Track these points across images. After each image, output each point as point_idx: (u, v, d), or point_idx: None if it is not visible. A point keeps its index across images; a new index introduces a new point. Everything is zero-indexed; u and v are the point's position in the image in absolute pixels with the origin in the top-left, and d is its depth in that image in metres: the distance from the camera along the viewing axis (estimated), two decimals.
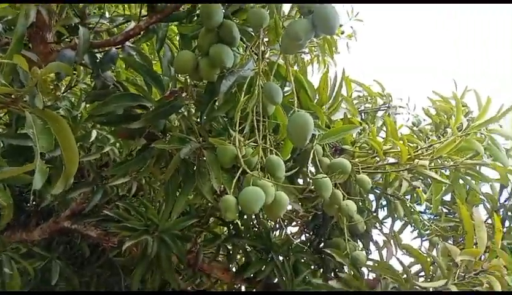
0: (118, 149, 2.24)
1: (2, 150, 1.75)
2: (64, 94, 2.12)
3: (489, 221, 1.89)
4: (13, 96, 0.96)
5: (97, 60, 1.58)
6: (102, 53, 1.63)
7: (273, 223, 2.64)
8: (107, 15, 2.16)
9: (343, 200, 1.54)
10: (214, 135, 1.41)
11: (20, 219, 2.38)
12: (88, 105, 1.84)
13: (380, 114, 2.60)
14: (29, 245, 2.17)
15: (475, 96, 1.74)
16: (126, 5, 1.94)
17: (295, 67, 1.70)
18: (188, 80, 1.34)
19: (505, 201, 1.92)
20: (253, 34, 1.25)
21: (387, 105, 2.53)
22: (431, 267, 1.60)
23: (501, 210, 1.93)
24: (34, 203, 2.41)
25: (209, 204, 2.09)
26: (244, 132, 1.19)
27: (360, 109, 2.63)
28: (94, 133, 2.14)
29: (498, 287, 1.32)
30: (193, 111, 1.40)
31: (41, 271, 2.10)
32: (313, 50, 2.80)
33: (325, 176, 1.31)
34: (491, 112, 1.66)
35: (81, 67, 2.02)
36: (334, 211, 1.62)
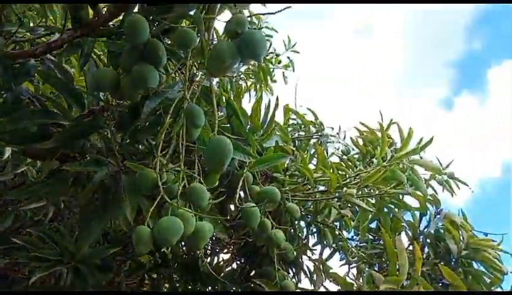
0: (37, 169, 2.06)
1: None
2: None
3: (410, 248, 1.97)
4: None
5: (12, 72, 1.45)
6: (18, 65, 1.50)
7: (205, 249, 2.56)
8: (31, 24, 2.02)
9: (272, 228, 1.52)
10: (137, 158, 1.32)
11: None
12: None
13: (313, 141, 2.67)
14: None
15: (397, 128, 1.82)
16: (51, 17, 1.81)
17: (229, 93, 1.67)
18: (110, 99, 1.25)
19: (424, 228, 2.01)
20: (182, 55, 1.20)
21: (319, 133, 2.59)
22: None
23: (421, 237, 2.01)
24: None
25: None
26: (167, 157, 1.12)
27: (293, 137, 2.67)
28: (7, 151, 1.96)
29: None
30: (115, 132, 1.31)
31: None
32: (250, 77, 2.82)
33: (254, 205, 1.28)
34: (413, 144, 1.75)
35: None
36: (263, 240, 1.58)
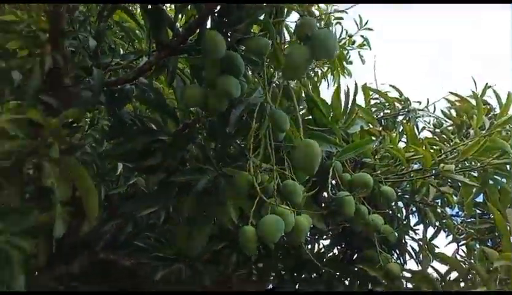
0: (145, 178, 2.30)
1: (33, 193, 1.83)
2: (88, 132, 2.21)
3: None
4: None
5: (113, 98, 1.64)
6: (118, 91, 1.69)
7: (306, 238, 2.62)
8: (121, 51, 2.25)
9: (368, 214, 1.52)
10: (231, 160, 1.42)
11: (60, 255, 2.46)
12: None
13: (400, 119, 2.55)
14: (67, 280, 2.23)
15: (494, 94, 1.68)
16: (137, 42, 2.00)
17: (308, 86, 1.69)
18: (199, 111, 1.36)
19: None
20: (258, 60, 1.26)
21: (406, 109, 2.48)
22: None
23: None
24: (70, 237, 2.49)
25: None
26: (259, 158, 1.19)
27: (379, 116, 2.59)
28: (120, 166, 2.22)
29: None
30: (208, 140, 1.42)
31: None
32: (325, 62, 2.78)
33: (347, 194, 1.30)
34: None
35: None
36: (361, 226, 1.59)
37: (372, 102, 2.63)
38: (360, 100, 2.30)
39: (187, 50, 1.52)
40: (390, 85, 2.55)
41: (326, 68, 2.84)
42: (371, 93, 2.48)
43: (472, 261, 1.45)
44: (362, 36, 3.09)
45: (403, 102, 2.51)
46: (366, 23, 3.00)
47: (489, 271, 1.45)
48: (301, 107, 1.63)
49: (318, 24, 1.15)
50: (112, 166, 2.16)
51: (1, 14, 1.81)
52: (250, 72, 1.45)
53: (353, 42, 3.12)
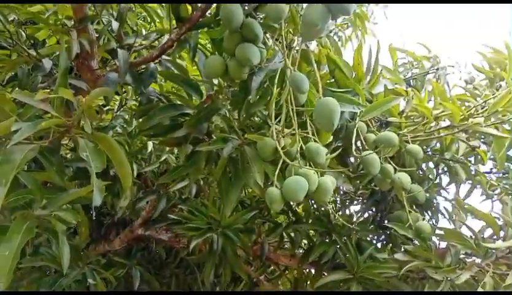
0: (175, 155, 2.38)
1: (73, 173, 1.94)
2: (118, 113, 2.29)
3: None
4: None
5: (139, 78, 1.69)
6: (143, 70, 1.74)
7: (335, 203, 2.65)
8: (143, 32, 2.29)
9: (395, 173, 1.51)
10: (255, 129, 1.45)
11: (101, 233, 2.61)
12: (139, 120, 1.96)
13: (430, 77, 2.48)
14: (111, 255, 2.38)
15: None
16: (157, 21, 2.03)
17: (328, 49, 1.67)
18: (222, 82, 1.39)
19: None
20: (275, 25, 1.26)
21: (435, 67, 2.40)
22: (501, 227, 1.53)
23: None
24: (110, 216, 2.63)
25: None
26: (281, 123, 1.21)
27: (407, 76, 2.53)
28: (150, 145, 2.30)
29: None
30: (232, 110, 1.45)
31: (124, 278, 2.28)
32: (348, 26, 2.72)
33: (370, 152, 1.30)
34: None
35: (130, 86, 2.17)
36: (387, 186, 1.59)
37: (400, 62, 2.58)
38: (387, 61, 2.26)
39: (207, 23, 1.54)
40: (418, 43, 2.48)
41: (350, 31, 2.78)
42: (398, 53, 2.41)
43: (503, 214, 1.42)
44: None
45: (431, 60, 2.44)
46: None
47: None
48: (324, 70, 1.63)
49: None
50: (143, 145, 2.25)
51: (30, 5, 1.88)
52: (270, 40, 1.46)
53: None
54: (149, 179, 2.41)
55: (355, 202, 2.40)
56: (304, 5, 1.13)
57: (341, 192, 2.38)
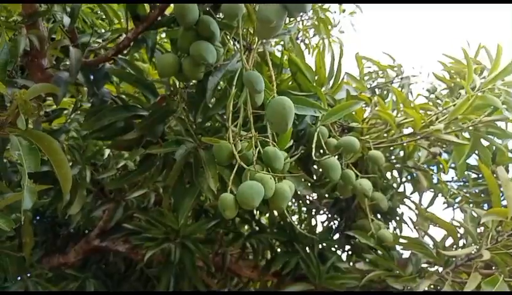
0: (135, 163, 2.27)
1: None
2: (72, 116, 2.17)
3: None
4: None
5: (92, 79, 1.59)
6: (97, 71, 1.64)
7: (300, 213, 2.61)
8: (102, 31, 2.19)
9: (357, 179, 1.48)
10: (213, 133, 1.38)
11: (57, 244, 2.46)
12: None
13: (395, 86, 2.50)
14: (63, 268, 2.23)
15: (485, 51, 1.62)
16: (115, 19, 1.95)
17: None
18: (177, 83, 1.32)
19: None
20: (233, 24, 1.21)
21: (399, 77, 2.42)
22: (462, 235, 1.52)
23: None
24: (66, 226, 2.48)
25: None
26: (238, 126, 1.15)
27: (372, 85, 2.54)
28: (107, 151, 2.19)
29: None
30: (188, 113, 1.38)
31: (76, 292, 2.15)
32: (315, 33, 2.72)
33: (329, 156, 1.26)
34: (505, 64, 1.55)
35: (85, 88, 2.05)
36: (349, 192, 1.56)
37: (367, 70, 2.58)
38: (353, 69, 2.26)
39: (165, 22, 1.47)
40: (383, 52, 2.49)
41: (317, 39, 2.77)
42: (365, 62, 2.42)
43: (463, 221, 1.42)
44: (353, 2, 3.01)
45: (396, 69, 2.46)
46: None
47: (481, 232, 1.43)
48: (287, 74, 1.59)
49: None
50: (99, 149, 2.13)
51: None
52: (231, 41, 1.40)
53: (344, 10, 3.04)
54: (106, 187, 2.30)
55: (321, 211, 2.38)
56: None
57: (307, 201, 2.34)
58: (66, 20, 1.63)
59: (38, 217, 2.55)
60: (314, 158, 1.24)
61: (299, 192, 1.39)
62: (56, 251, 2.40)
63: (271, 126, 1.03)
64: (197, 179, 1.20)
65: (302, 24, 2.73)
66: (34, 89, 1.04)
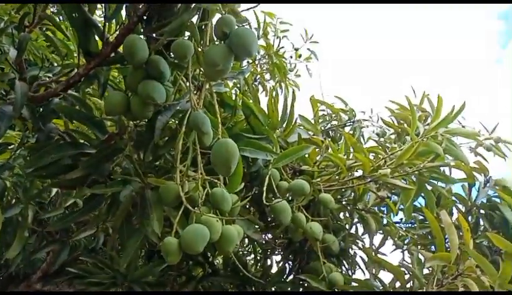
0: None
1: None
2: (18, 152, 2.07)
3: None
4: None
5: (37, 113, 1.54)
6: (43, 106, 1.59)
7: (255, 254, 2.56)
8: (54, 64, 2.14)
9: (307, 222, 1.49)
10: (163, 172, 1.36)
11: None
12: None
13: (347, 129, 2.59)
14: None
15: (427, 100, 1.73)
16: (68, 54, 1.92)
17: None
18: (126, 121, 1.29)
19: (475, 200, 1.88)
20: (183, 64, 1.22)
21: (351, 120, 2.52)
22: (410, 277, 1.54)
23: (474, 209, 1.88)
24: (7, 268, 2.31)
25: None
26: (186, 166, 1.13)
27: (326, 128, 2.62)
28: (54, 188, 2.08)
29: (475, 289, 1.27)
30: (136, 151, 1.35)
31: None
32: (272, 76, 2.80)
33: (279, 200, 1.26)
34: (446, 112, 1.65)
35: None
36: (300, 236, 1.56)
37: (322, 113, 2.67)
38: (308, 112, 2.32)
39: (118, 60, 1.46)
40: (335, 96, 2.60)
41: (273, 82, 2.85)
42: (318, 105, 2.49)
43: (410, 265, 1.44)
44: (309, 49, 3.14)
45: (348, 113, 2.56)
46: (312, 37, 3.06)
47: (427, 274, 1.46)
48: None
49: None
50: (45, 187, 2.03)
51: None
52: (183, 82, 1.41)
53: (300, 55, 3.17)
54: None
55: (276, 252, 2.35)
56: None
57: (263, 242, 2.31)
58: (12, 53, 1.58)
59: None
60: (265, 201, 1.24)
61: (249, 235, 1.37)
62: None
63: (215, 168, 1.02)
64: (142, 221, 1.15)
65: (261, 68, 2.81)
66: None
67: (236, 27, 0.94)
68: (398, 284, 1.64)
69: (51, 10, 2.04)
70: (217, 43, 1.05)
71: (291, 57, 3.07)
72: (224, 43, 0.94)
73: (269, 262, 2.28)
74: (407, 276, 1.59)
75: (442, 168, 1.75)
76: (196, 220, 1.03)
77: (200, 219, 1.02)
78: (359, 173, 1.80)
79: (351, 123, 2.53)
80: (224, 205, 1.07)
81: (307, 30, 3.01)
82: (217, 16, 1.05)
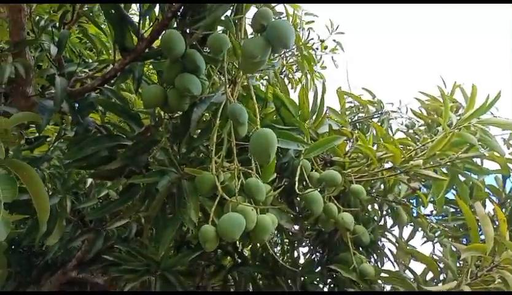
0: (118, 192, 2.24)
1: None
2: (56, 144, 2.15)
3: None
4: None
5: (77, 108, 1.60)
6: (81, 100, 1.65)
7: (283, 245, 2.59)
8: (89, 61, 2.21)
9: (339, 212, 1.50)
10: (197, 164, 1.39)
11: (32, 275, 2.37)
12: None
13: (375, 121, 2.57)
14: None
15: (460, 90, 1.70)
16: (103, 50, 1.98)
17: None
18: (162, 114, 1.33)
19: (509, 192, 1.84)
20: (218, 58, 1.24)
21: (379, 112, 2.50)
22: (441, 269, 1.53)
23: (508, 201, 1.85)
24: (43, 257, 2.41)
25: None
26: (221, 157, 1.16)
27: (354, 120, 2.60)
28: (89, 180, 2.16)
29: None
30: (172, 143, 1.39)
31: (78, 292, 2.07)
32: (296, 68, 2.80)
33: (312, 190, 1.28)
34: (480, 103, 1.61)
35: (70, 117, 2.05)
36: (331, 226, 1.57)
37: (349, 105, 2.66)
38: (336, 104, 2.32)
39: (152, 54, 1.50)
40: (363, 88, 2.57)
41: (300, 74, 2.85)
42: (345, 97, 2.48)
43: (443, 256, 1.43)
44: (334, 40, 3.12)
45: (376, 105, 2.54)
46: (337, 28, 3.03)
47: (461, 266, 1.45)
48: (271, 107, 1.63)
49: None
50: (81, 178, 2.10)
51: None
52: (216, 75, 1.43)
53: (326, 47, 3.15)
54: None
55: (303, 243, 2.37)
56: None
57: (290, 233, 2.33)
58: (53, 49, 1.65)
59: (13, 247, 2.47)
60: (297, 191, 1.25)
61: (282, 225, 1.39)
62: (30, 282, 2.31)
63: (254, 157, 1.04)
64: (179, 210, 1.19)
65: (286, 60, 2.82)
66: (15, 117, 1.04)
67: (273, 19, 0.95)
68: (429, 276, 1.64)
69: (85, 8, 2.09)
70: (251, 36, 1.07)
71: (317, 49, 3.06)
72: (262, 36, 0.95)
73: (296, 253, 2.31)
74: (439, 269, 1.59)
75: (474, 159, 1.72)
76: (232, 209, 1.06)
77: (236, 208, 1.05)
78: (389, 164, 1.80)
79: (379, 115, 2.51)
80: (258, 195, 1.09)
81: (332, 21, 3.00)
82: (253, 9, 1.07)
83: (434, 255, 1.96)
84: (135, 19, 1.50)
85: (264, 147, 0.98)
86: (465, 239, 1.99)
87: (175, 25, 1.37)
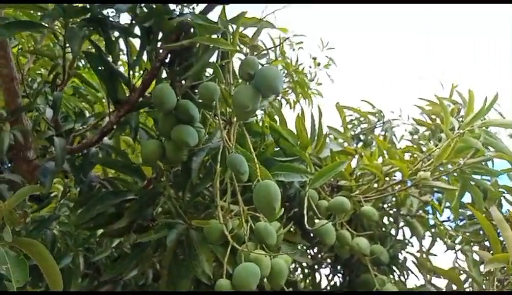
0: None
1: None
2: (62, 202, 2.15)
3: None
4: None
5: (77, 165, 1.60)
6: (82, 157, 1.66)
7: (302, 268, 2.54)
8: (86, 113, 2.23)
9: (353, 238, 1.47)
10: (203, 208, 1.38)
11: None
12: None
13: (378, 131, 2.56)
14: None
15: (458, 94, 1.68)
16: (98, 103, 1.99)
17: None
18: (162, 166, 1.33)
19: None
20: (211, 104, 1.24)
21: (381, 121, 2.48)
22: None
23: None
24: None
25: None
26: (226, 201, 1.15)
27: (356, 132, 2.59)
28: (99, 231, 2.15)
29: None
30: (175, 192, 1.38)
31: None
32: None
33: (324, 222, 1.25)
34: (479, 106, 1.59)
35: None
36: (347, 252, 1.54)
37: (349, 118, 2.64)
38: (335, 120, 2.31)
39: (146, 104, 1.51)
40: (361, 100, 2.56)
41: (294, 95, 2.85)
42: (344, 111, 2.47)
43: (465, 268, 1.40)
44: (327, 56, 3.13)
45: (376, 115, 2.52)
46: (327, 44, 3.05)
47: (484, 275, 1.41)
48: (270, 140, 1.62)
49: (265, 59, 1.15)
50: (91, 234, 2.10)
51: None
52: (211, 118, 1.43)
53: (319, 64, 3.16)
54: (103, 267, 2.23)
55: (323, 265, 2.32)
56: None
57: (308, 256, 2.29)
58: (49, 112, 1.66)
59: None
60: (307, 226, 1.23)
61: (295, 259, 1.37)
62: None
63: (259, 210, 1.03)
64: (191, 262, 1.17)
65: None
66: (18, 194, 1.04)
67: (260, 67, 0.95)
68: (454, 287, 1.59)
69: (79, 63, 2.12)
70: (240, 81, 1.07)
71: (310, 67, 3.08)
72: (250, 84, 0.95)
73: (317, 276, 2.26)
74: (463, 277, 1.55)
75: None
76: (244, 258, 1.04)
77: (248, 256, 1.03)
78: (398, 175, 1.77)
79: (381, 125, 2.49)
80: (269, 239, 1.07)
81: (322, 39, 3.01)
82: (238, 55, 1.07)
83: (457, 263, 1.91)
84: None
85: (268, 200, 0.97)
86: (487, 242, 1.94)
87: (164, 74, 1.38)
